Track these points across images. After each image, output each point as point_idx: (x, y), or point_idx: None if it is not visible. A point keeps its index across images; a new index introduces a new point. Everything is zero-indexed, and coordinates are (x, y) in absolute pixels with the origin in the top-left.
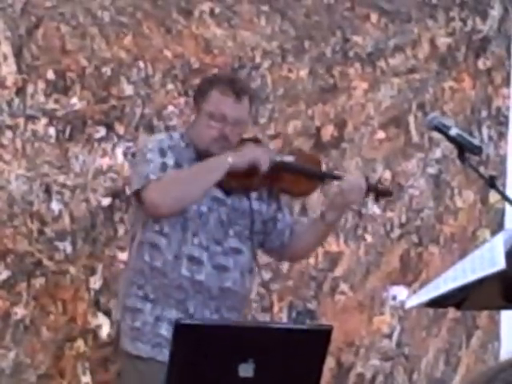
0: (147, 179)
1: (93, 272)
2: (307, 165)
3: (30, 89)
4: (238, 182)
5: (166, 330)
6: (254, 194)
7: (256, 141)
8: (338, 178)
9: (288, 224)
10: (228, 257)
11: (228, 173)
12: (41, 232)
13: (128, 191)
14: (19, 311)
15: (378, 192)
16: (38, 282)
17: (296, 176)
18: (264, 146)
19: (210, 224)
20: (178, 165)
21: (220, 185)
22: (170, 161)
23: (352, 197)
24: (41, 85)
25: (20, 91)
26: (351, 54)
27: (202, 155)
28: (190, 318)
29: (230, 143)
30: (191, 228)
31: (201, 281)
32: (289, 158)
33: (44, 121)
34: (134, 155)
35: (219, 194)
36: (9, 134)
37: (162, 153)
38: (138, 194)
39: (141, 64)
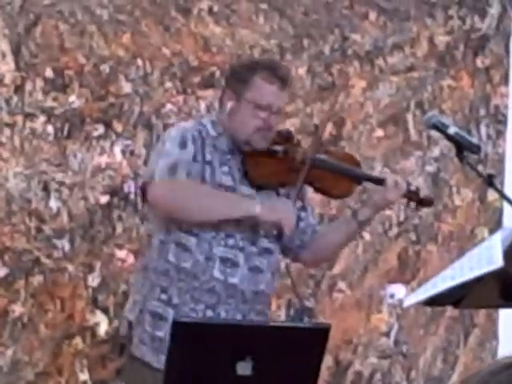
0: (151, 177)
1: (91, 270)
2: (348, 165)
3: (28, 86)
4: (277, 177)
5: None
6: (283, 191)
7: (288, 135)
8: (379, 181)
9: (311, 224)
10: (262, 258)
11: (267, 168)
12: (39, 230)
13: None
14: (17, 309)
15: (419, 199)
16: (36, 279)
17: (336, 176)
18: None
19: (242, 224)
20: (195, 159)
21: (251, 179)
22: (188, 155)
23: (390, 196)
24: (39, 82)
25: (18, 89)
26: (350, 52)
27: (239, 144)
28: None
29: (271, 133)
30: (224, 228)
31: (234, 284)
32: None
33: (42, 118)
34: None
35: (247, 190)
36: (7, 131)
37: (183, 144)
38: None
39: (139, 62)
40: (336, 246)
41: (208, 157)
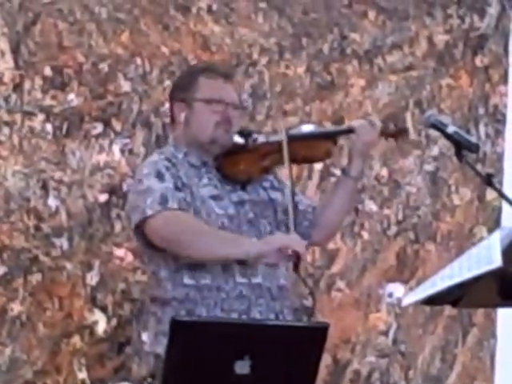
0: (144, 214)
1: (89, 268)
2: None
3: (27, 85)
4: (257, 167)
5: None
6: (267, 184)
7: (248, 130)
8: (350, 130)
9: (308, 203)
10: None
11: (244, 162)
12: (37, 228)
13: (131, 224)
14: (15, 307)
15: (394, 131)
16: (35, 278)
17: (310, 142)
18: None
19: (243, 225)
20: (177, 187)
21: (233, 179)
22: (169, 185)
23: (368, 137)
24: (38, 81)
25: (17, 87)
26: (349, 51)
27: (206, 151)
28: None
29: (231, 127)
30: (230, 232)
31: (259, 283)
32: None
33: (41, 117)
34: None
35: (235, 196)
36: (6, 130)
37: (160, 176)
38: (139, 227)
39: (138, 60)
40: (341, 211)
41: (185, 180)
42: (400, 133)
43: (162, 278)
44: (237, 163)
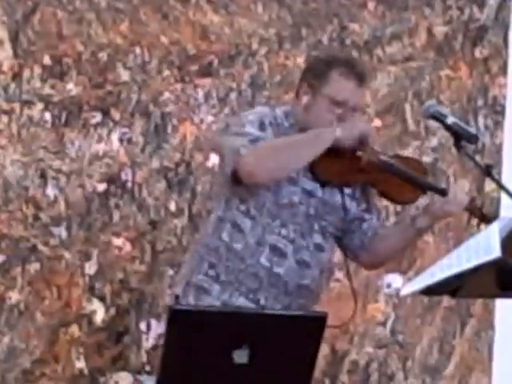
0: (238, 154)
1: (88, 257)
2: (414, 172)
3: (26, 74)
4: (341, 176)
5: None
6: (347, 190)
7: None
8: (442, 192)
9: (373, 227)
10: (312, 253)
11: (334, 165)
12: (36, 217)
13: (226, 168)
14: (14, 296)
15: (481, 215)
16: (33, 267)
17: (402, 182)
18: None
19: (298, 216)
20: None
21: (316, 174)
22: (268, 136)
23: (451, 208)
24: (37, 70)
25: (16, 76)
26: (348, 41)
27: None
28: (260, 309)
29: None
30: (281, 217)
31: (278, 274)
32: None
33: (40, 106)
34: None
35: (309, 186)
36: (5, 118)
37: (262, 127)
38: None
39: (137, 50)
40: (393, 250)
41: None
42: (486, 220)
43: (211, 220)
44: (326, 163)
